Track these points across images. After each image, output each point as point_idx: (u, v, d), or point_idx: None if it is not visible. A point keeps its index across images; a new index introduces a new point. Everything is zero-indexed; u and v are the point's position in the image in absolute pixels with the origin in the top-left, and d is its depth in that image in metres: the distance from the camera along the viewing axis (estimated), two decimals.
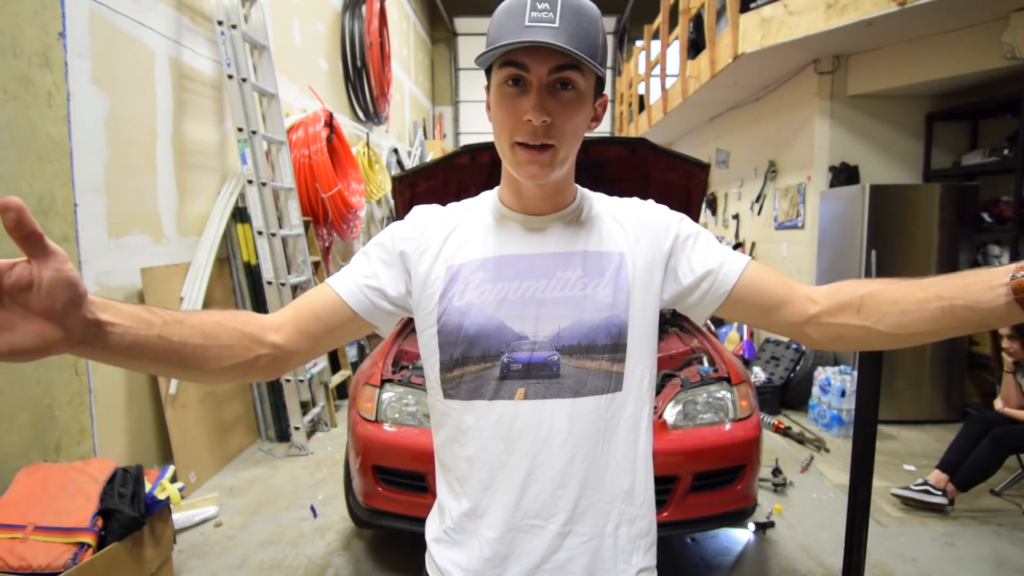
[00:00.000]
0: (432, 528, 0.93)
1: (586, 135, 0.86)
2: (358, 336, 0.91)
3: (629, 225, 0.89)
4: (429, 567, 0.92)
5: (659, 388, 2.54)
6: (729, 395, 2.35)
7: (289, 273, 3.83)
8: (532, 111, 0.75)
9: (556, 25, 0.73)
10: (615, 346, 0.83)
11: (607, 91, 0.88)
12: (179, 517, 2.70)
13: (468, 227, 0.89)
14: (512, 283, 0.84)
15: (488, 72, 0.82)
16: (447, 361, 0.85)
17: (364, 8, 6.22)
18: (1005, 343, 3.04)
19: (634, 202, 0.94)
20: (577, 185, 0.92)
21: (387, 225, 5.51)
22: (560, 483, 0.82)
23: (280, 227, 3.84)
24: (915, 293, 0.74)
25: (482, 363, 0.83)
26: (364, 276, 0.86)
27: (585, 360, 0.82)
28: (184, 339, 0.69)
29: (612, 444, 0.85)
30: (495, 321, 0.82)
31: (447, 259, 0.86)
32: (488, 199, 0.92)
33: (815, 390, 4.21)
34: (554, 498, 0.82)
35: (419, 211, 0.92)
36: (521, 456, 0.82)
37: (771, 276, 0.87)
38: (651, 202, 0.94)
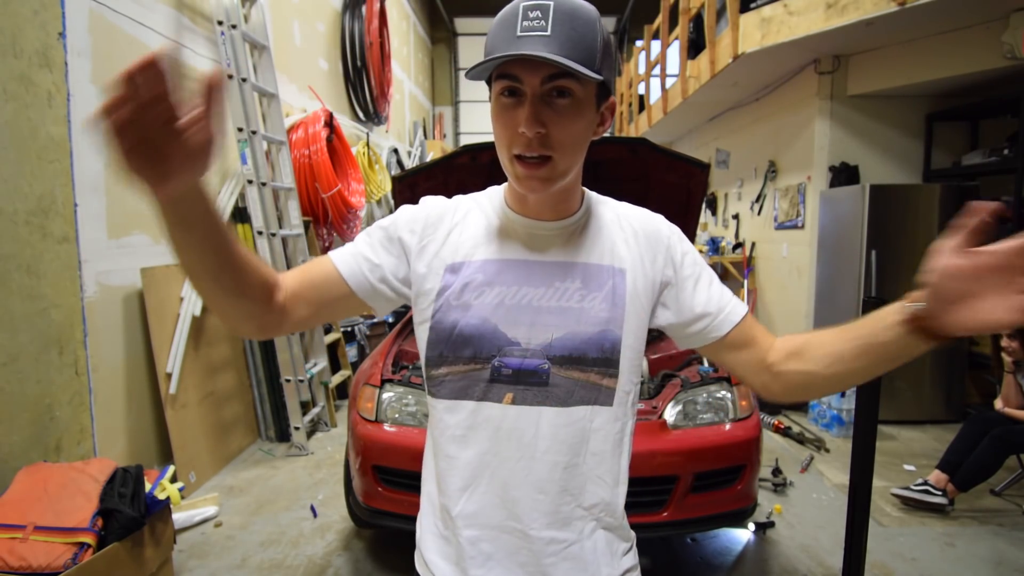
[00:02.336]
0: (420, 523, 0.94)
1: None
2: (354, 314, 0.92)
3: (634, 241, 0.89)
4: (417, 563, 0.93)
5: (659, 388, 2.54)
6: (729, 395, 2.35)
7: None
8: (525, 123, 0.74)
9: (548, 33, 0.72)
10: (607, 360, 0.84)
11: None
12: (179, 517, 2.70)
13: (472, 225, 0.88)
14: (510, 288, 0.84)
15: (489, 83, 0.82)
16: (434, 357, 0.85)
17: (364, 8, 6.22)
18: (1004, 343, 3.04)
19: (645, 216, 0.92)
20: (585, 189, 0.91)
21: None
22: (541, 488, 0.83)
23: (280, 227, 3.84)
24: (842, 335, 0.79)
25: (472, 364, 0.83)
26: (365, 257, 0.87)
27: (574, 371, 0.83)
28: (236, 249, 0.74)
29: (595, 455, 0.86)
30: (489, 325, 0.83)
31: (448, 256, 0.86)
32: (495, 197, 0.91)
33: None
34: (535, 503, 0.83)
35: (427, 203, 0.91)
36: (505, 459, 0.83)
37: (756, 329, 0.89)
38: (661, 219, 0.93)
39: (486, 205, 0.91)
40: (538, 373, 0.82)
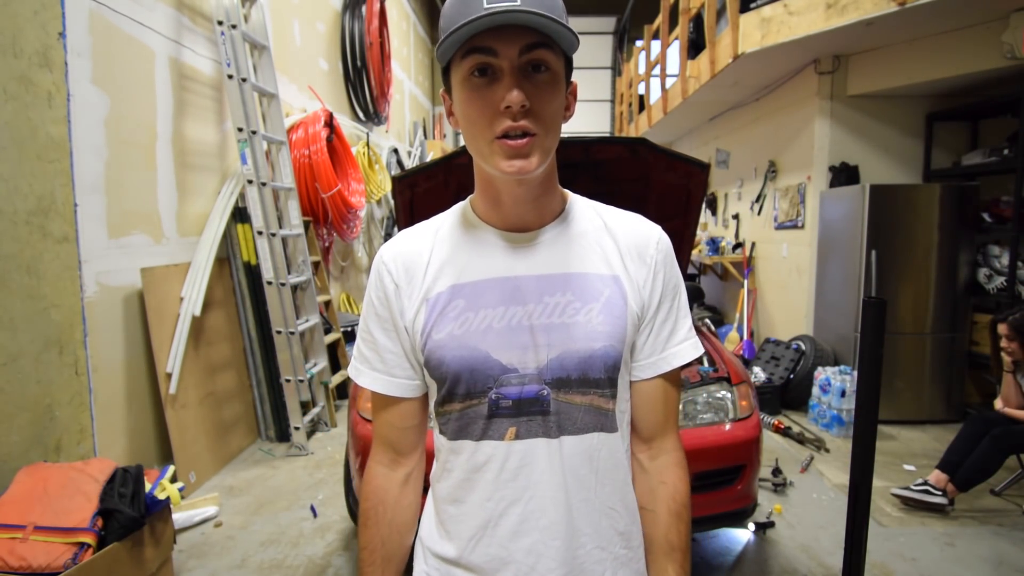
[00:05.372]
0: (415, 569, 0.88)
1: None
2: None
3: (625, 247, 0.81)
4: None
5: None
6: (729, 395, 2.35)
7: (289, 273, 3.83)
8: (510, 95, 0.67)
9: (519, 2, 0.65)
10: (608, 380, 0.77)
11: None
12: (179, 517, 2.70)
13: (444, 250, 0.80)
14: (496, 310, 0.75)
15: (446, 72, 0.73)
16: (438, 398, 0.79)
17: (364, 8, 6.21)
18: (1003, 343, 3.04)
19: (633, 226, 0.83)
20: (564, 189, 0.84)
21: (387, 226, 5.52)
22: (555, 533, 0.76)
23: (280, 227, 3.84)
24: (656, 549, 0.86)
25: (467, 400, 0.76)
26: (386, 365, 0.82)
27: (575, 394, 0.75)
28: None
29: (607, 486, 0.79)
30: (479, 353, 0.74)
31: (426, 291, 0.78)
32: (461, 214, 0.83)
33: (815, 390, 4.21)
34: (549, 549, 0.76)
35: (390, 255, 0.82)
36: (511, 503, 0.76)
37: (667, 401, 0.84)
38: (651, 230, 0.83)
39: (455, 224, 0.82)
40: (539, 401, 0.74)
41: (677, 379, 0.84)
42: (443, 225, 0.83)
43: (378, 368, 0.81)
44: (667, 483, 0.83)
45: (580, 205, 0.84)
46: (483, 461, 0.76)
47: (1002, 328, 3.04)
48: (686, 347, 0.83)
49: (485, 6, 0.65)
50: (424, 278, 0.79)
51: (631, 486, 0.84)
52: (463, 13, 0.66)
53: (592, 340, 0.75)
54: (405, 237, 0.83)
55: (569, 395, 0.75)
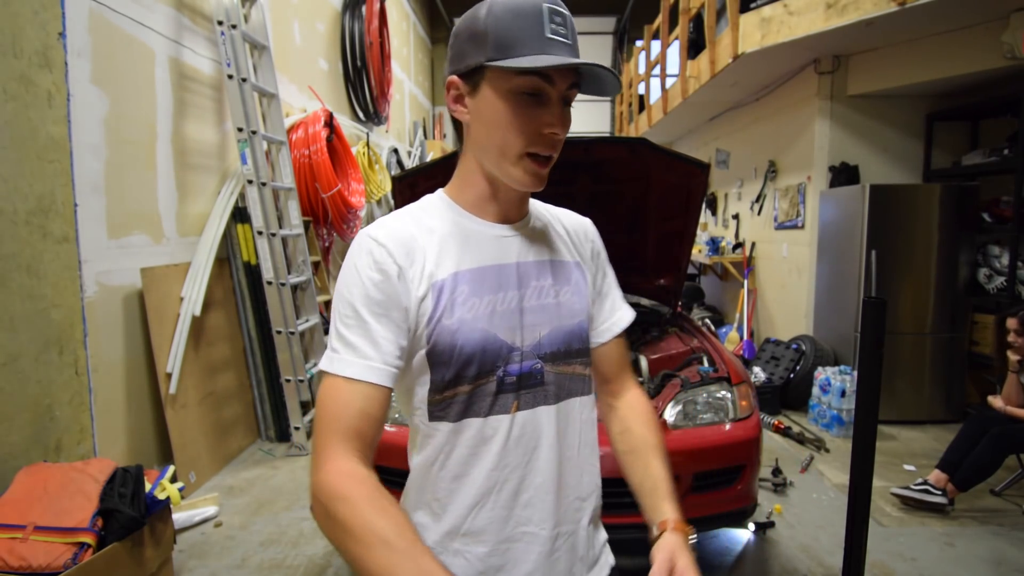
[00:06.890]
0: None
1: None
2: None
3: (573, 235, 0.97)
4: None
5: (659, 388, 2.54)
6: (729, 395, 2.35)
7: (289, 273, 3.83)
8: (558, 124, 0.79)
9: (570, 42, 0.77)
10: (584, 350, 0.91)
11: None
12: (179, 517, 2.70)
13: (437, 239, 0.83)
14: (497, 295, 0.83)
15: (474, 72, 0.78)
16: (439, 382, 0.81)
17: (364, 8, 6.22)
18: (1011, 337, 2.98)
19: (571, 215, 1.01)
20: None
21: None
22: (547, 488, 0.85)
23: (280, 227, 3.84)
24: (638, 472, 0.92)
25: (477, 380, 0.81)
26: (380, 353, 0.76)
27: (563, 365, 0.87)
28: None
29: (587, 445, 0.91)
30: (490, 335, 0.81)
31: (430, 276, 0.80)
32: (447, 207, 0.87)
33: (815, 390, 4.21)
34: (544, 503, 0.85)
35: (384, 235, 0.81)
36: (514, 467, 0.83)
37: (621, 355, 1.00)
38: (585, 218, 1.02)
39: (441, 216, 0.86)
40: (534, 374, 0.84)
41: (614, 346, 1.00)
42: (423, 216, 0.86)
43: (371, 357, 0.75)
44: (635, 406, 0.99)
45: (534, 203, 0.96)
46: (491, 434, 0.82)
47: (1011, 323, 3.00)
48: (626, 311, 1.01)
49: (547, 35, 0.75)
50: (424, 263, 0.81)
51: (597, 442, 0.96)
52: (524, 36, 0.74)
53: (572, 317, 0.89)
54: (391, 221, 0.83)
55: (559, 366, 0.87)
